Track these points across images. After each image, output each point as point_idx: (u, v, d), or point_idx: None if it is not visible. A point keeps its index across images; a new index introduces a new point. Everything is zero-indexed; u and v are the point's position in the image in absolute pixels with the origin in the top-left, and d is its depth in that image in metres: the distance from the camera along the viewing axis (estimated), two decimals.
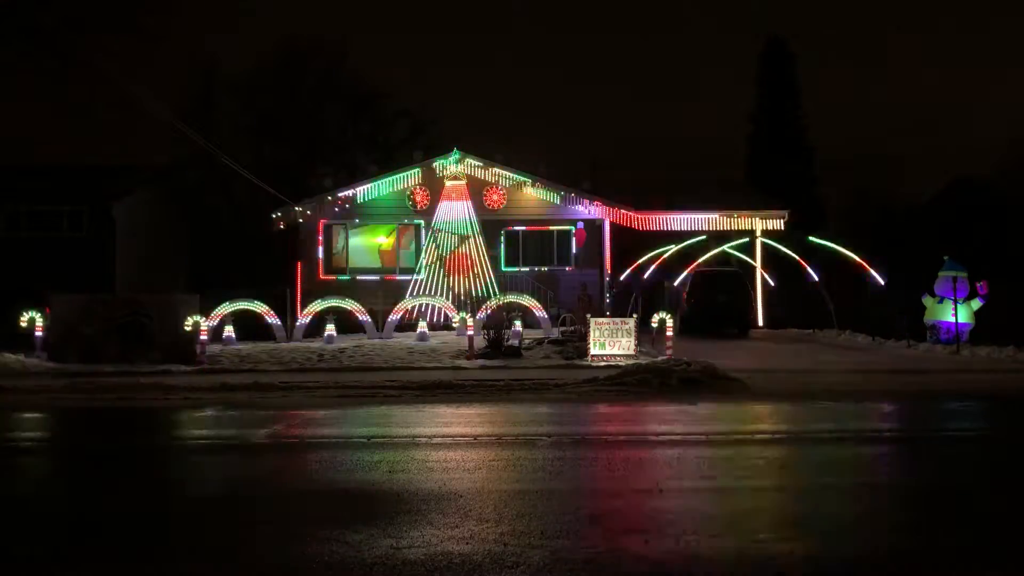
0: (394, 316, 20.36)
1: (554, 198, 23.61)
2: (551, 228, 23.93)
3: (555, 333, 19.04)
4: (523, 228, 23.93)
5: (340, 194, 23.56)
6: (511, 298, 20.24)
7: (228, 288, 21.44)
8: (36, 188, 25.43)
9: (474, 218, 23.10)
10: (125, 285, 24.65)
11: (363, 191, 23.59)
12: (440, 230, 23.07)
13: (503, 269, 23.46)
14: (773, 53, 38.22)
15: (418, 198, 23.64)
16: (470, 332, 16.93)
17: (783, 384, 12.39)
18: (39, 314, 15.92)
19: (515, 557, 4.42)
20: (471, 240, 22.93)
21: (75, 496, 6.18)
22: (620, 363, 14.36)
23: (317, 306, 19.83)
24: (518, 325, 18.10)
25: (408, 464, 6.93)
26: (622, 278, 24.88)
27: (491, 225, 23.53)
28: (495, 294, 21.66)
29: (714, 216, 24.31)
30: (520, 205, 23.78)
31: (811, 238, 20.40)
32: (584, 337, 15.93)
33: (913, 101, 71.65)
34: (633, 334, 15.54)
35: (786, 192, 28.87)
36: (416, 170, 23.76)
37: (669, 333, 15.66)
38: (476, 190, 23.46)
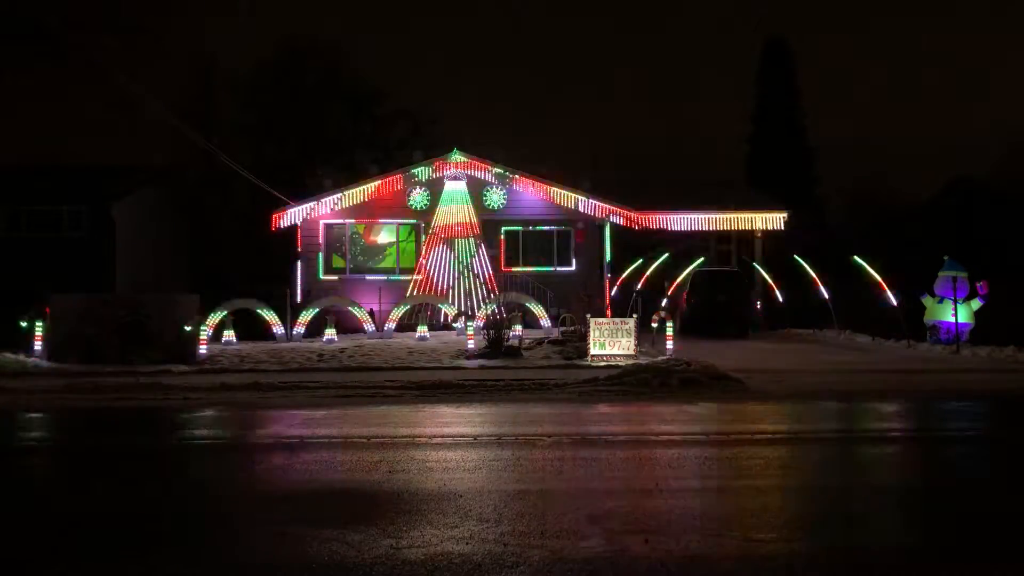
0: (394, 316, 20.36)
1: (554, 198, 23.61)
2: (551, 228, 23.93)
3: (555, 333, 19.04)
4: (523, 228, 23.93)
5: (340, 194, 23.56)
6: (511, 298, 20.24)
7: (228, 288, 21.43)
8: (36, 188, 25.43)
9: (474, 218, 23.11)
10: (125, 285, 24.66)
11: (363, 191, 23.59)
12: (440, 230, 23.07)
13: (503, 269, 23.46)
14: (773, 53, 38.22)
15: (418, 198, 23.64)
16: (470, 332, 16.92)
17: (783, 384, 12.38)
18: (39, 314, 15.91)
19: (515, 557, 4.42)
20: (471, 240, 22.93)
21: (75, 496, 6.18)
22: (620, 363, 14.35)
23: (317, 306, 19.83)
24: (518, 325, 18.10)
25: (408, 464, 6.93)
26: (622, 278, 24.86)
27: (491, 225, 23.53)
28: (495, 294, 21.67)
29: (714, 216, 24.31)
30: (520, 205, 23.79)
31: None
32: (584, 337, 15.93)
33: (913, 101, 71.64)
34: (633, 334, 15.54)
35: (786, 192, 28.87)
36: (416, 170, 23.75)
37: (669, 333, 15.66)
38: (476, 190, 23.46)
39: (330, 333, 18.66)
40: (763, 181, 31.61)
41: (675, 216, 24.15)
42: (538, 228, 23.93)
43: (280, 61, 36.30)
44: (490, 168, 23.68)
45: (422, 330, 19.40)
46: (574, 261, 23.88)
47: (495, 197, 23.65)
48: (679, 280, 23.32)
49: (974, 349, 17.01)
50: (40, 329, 15.66)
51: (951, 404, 10.78)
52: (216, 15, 67.35)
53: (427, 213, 23.52)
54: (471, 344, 16.05)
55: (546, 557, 4.43)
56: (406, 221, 23.92)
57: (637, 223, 23.83)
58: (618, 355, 15.25)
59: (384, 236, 24.20)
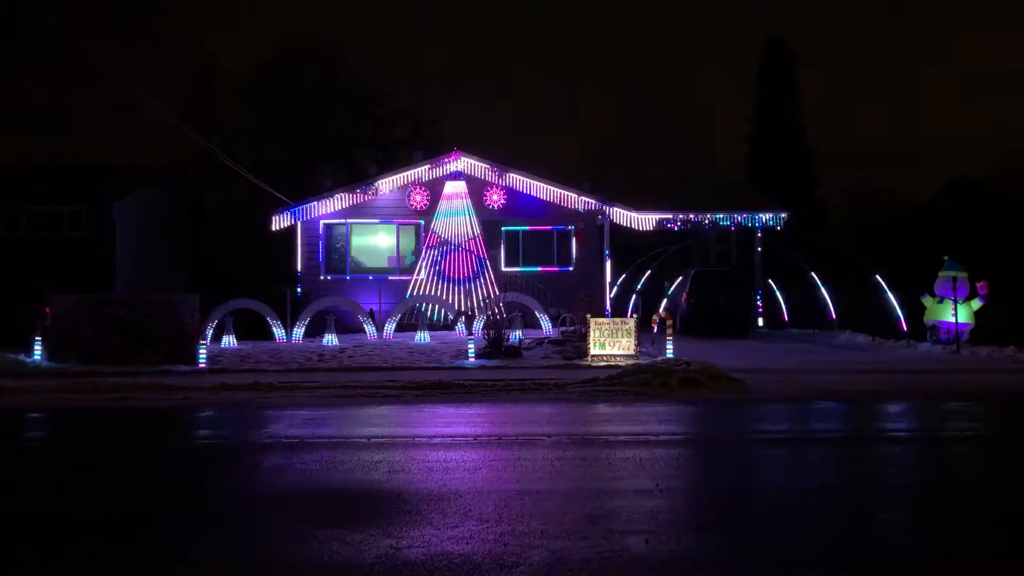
0: (394, 316, 20.36)
1: (554, 198, 23.61)
2: (551, 228, 23.93)
3: (555, 333, 19.04)
4: (523, 228, 23.93)
5: (340, 194, 23.56)
6: (511, 298, 20.24)
7: (228, 288, 21.42)
8: (36, 188, 25.41)
9: (474, 218, 23.11)
10: (125, 285, 24.64)
11: (363, 191, 23.59)
12: (440, 230, 23.08)
13: (503, 269, 23.46)
14: (773, 53, 38.21)
15: (418, 198, 23.64)
16: (470, 332, 16.92)
17: (783, 384, 12.39)
18: (39, 314, 15.91)
19: (515, 557, 4.42)
20: (471, 240, 22.94)
21: (74, 496, 6.18)
22: (620, 363, 14.35)
23: (317, 306, 19.83)
24: (518, 325, 18.10)
25: (408, 464, 6.93)
26: (622, 278, 24.87)
27: (491, 225, 23.53)
28: (495, 294, 21.67)
29: (714, 216, 24.31)
30: (520, 205, 23.79)
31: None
32: (584, 337, 15.94)
33: (913, 101, 71.66)
34: (633, 334, 15.55)
35: (786, 192, 28.87)
36: (416, 170, 23.76)
37: (669, 333, 15.67)
38: (476, 190, 23.47)
39: (330, 334, 18.66)
40: (763, 181, 31.61)
41: (675, 216, 24.14)
42: (538, 228, 23.93)
43: (280, 61, 36.38)
44: (490, 168, 23.68)
45: (422, 329, 19.40)
46: (574, 261, 23.88)
47: (495, 197, 23.65)
48: (679, 280, 23.34)
49: (974, 349, 17.01)
50: (40, 329, 15.67)
51: (951, 404, 10.78)
52: (216, 15, 67.34)
53: (427, 213, 23.52)
54: (471, 344, 16.05)
55: (546, 557, 4.43)
56: (406, 221, 23.92)
57: (637, 223, 23.83)
58: (618, 355, 15.25)
59: (384, 236, 24.20)
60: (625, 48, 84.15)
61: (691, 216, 24.25)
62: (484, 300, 21.75)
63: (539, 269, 23.63)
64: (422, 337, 19.04)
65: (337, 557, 4.47)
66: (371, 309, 21.19)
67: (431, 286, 22.57)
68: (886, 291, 19.22)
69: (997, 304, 18.02)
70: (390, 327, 20.11)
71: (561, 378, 12.68)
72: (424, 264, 23.03)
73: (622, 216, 23.65)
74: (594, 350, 15.45)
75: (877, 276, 19.61)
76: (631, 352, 15.37)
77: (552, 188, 23.60)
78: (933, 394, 11.45)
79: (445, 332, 20.47)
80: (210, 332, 17.41)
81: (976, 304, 18.14)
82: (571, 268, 23.80)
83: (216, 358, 15.76)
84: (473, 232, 22.99)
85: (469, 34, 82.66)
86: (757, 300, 24.66)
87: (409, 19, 77.36)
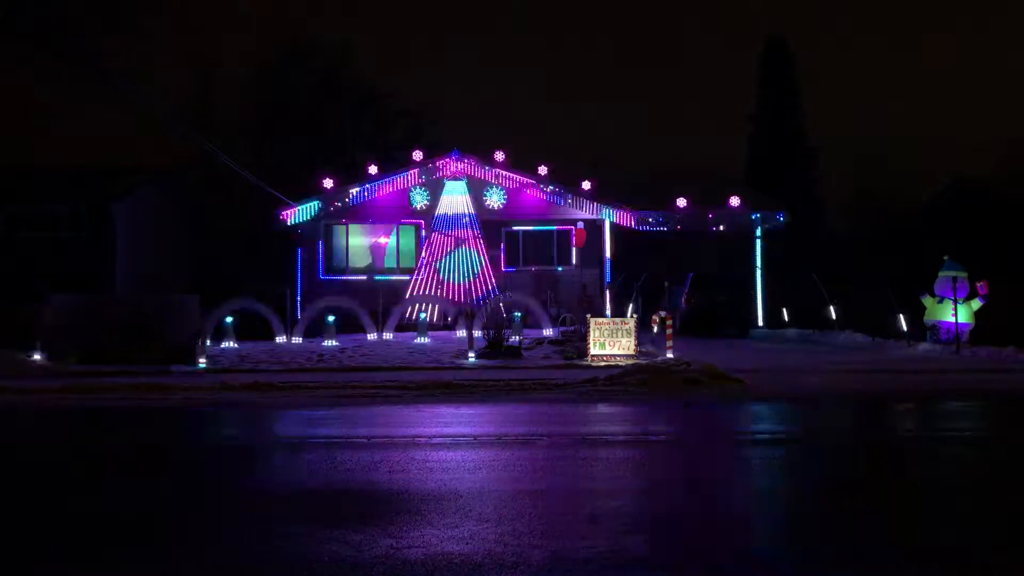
0: (394, 316, 20.35)
1: (554, 198, 23.61)
2: (551, 228, 23.91)
3: (555, 333, 19.04)
4: (523, 228, 23.91)
5: (340, 194, 23.55)
6: (511, 298, 20.24)
7: (228, 288, 21.43)
8: (36, 188, 25.44)
9: (474, 218, 23.10)
10: (125, 285, 24.66)
11: (363, 191, 23.59)
12: (440, 230, 23.08)
13: (503, 269, 23.45)
14: (773, 53, 38.19)
15: (418, 198, 23.63)
16: (470, 332, 16.92)
17: (783, 384, 12.39)
18: (39, 314, 15.90)
19: (515, 557, 4.42)
20: (471, 240, 22.94)
21: (73, 496, 6.18)
22: (620, 363, 14.35)
23: (317, 306, 19.82)
24: (518, 325, 18.09)
25: (408, 464, 6.93)
26: (622, 278, 24.86)
27: (491, 225, 23.51)
28: (495, 294, 21.66)
29: (714, 216, 24.29)
30: (520, 205, 23.76)
31: None
32: (584, 337, 15.93)
33: (913, 101, 71.67)
34: (633, 334, 15.54)
35: (786, 192, 28.85)
36: (416, 170, 23.74)
37: (669, 333, 15.66)
38: (476, 190, 23.46)
39: (330, 332, 18.64)
40: (763, 181, 31.59)
41: (675, 216, 24.12)
42: (538, 228, 23.92)
43: (281, 61, 36.34)
44: (490, 168, 23.67)
45: (422, 329, 19.38)
46: (574, 261, 23.86)
47: (495, 197, 23.64)
48: (679, 280, 23.33)
49: (974, 349, 17.00)
50: (40, 329, 15.66)
51: (951, 404, 10.78)
52: (217, 16, 67.36)
53: (427, 213, 23.51)
54: (471, 344, 16.05)
55: (546, 557, 4.43)
56: (406, 221, 23.90)
57: (637, 223, 23.82)
58: (618, 355, 15.25)
59: (384, 236, 24.19)
60: (625, 48, 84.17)
61: (691, 216, 24.23)
62: (484, 300, 21.74)
63: (539, 269, 23.62)
64: (422, 337, 19.03)
65: (337, 557, 4.47)
66: (371, 309, 21.19)
67: (431, 286, 22.56)
68: (887, 292, 19.21)
69: (997, 304, 18.00)
70: (390, 327, 20.10)
71: (561, 378, 12.68)
72: (424, 264, 23.02)
73: (622, 216, 23.63)
74: (594, 350, 15.45)
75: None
76: (631, 352, 15.37)
77: (552, 188, 23.59)
78: (933, 394, 11.45)
79: (445, 332, 20.46)
80: (210, 332, 17.40)
81: (976, 304, 18.13)
82: (571, 268, 23.78)
83: (216, 358, 15.75)
84: (473, 232, 22.97)
85: (469, 34, 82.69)
86: (757, 300, 24.65)
87: (409, 19, 77.38)
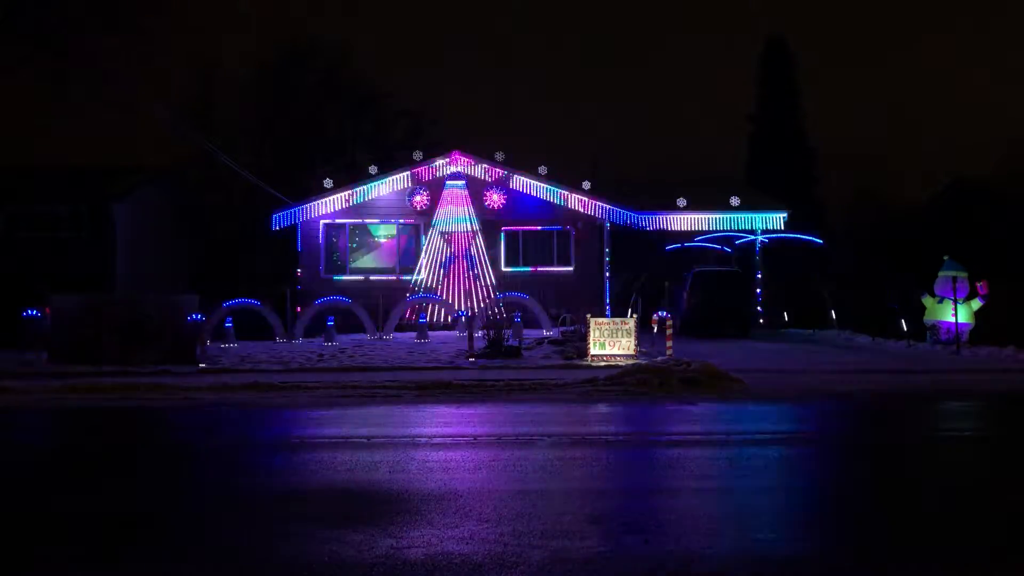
0: (394, 316, 20.36)
1: (554, 198, 23.61)
2: (551, 228, 23.92)
3: (555, 333, 19.04)
4: (523, 228, 23.92)
5: (340, 194, 23.57)
6: (511, 298, 20.23)
7: (228, 288, 21.45)
8: (36, 188, 25.43)
9: (474, 218, 23.11)
10: (125, 285, 24.65)
11: (363, 191, 23.60)
12: (440, 230, 23.08)
13: (503, 269, 23.46)
14: (773, 53, 38.18)
15: (418, 198, 23.64)
16: (470, 332, 16.92)
17: (783, 384, 12.39)
18: (39, 314, 15.91)
19: (515, 557, 4.42)
20: (471, 240, 22.94)
21: (73, 497, 6.18)
22: (620, 363, 14.35)
23: (317, 306, 19.83)
24: (518, 324, 18.10)
25: (408, 464, 6.93)
26: (622, 278, 24.86)
27: (491, 225, 23.52)
28: (495, 294, 21.67)
29: (714, 216, 24.31)
30: (520, 205, 23.78)
31: None
32: (584, 337, 15.93)
33: (913, 101, 71.66)
34: (633, 334, 15.54)
35: (786, 192, 28.83)
36: (416, 170, 23.76)
37: (669, 333, 15.66)
38: (476, 190, 23.47)
39: (330, 332, 18.65)
40: (763, 181, 31.57)
41: (675, 216, 24.14)
42: (538, 228, 23.92)
43: (280, 61, 36.32)
44: (490, 168, 23.68)
45: (422, 329, 19.39)
46: (574, 261, 23.87)
47: (495, 197, 23.65)
48: (679, 280, 23.32)
49: (974, 349, 17.00)
50: (40, 329, 15.66)
51: (952, 404, 10.78)
52: (217, 16, 67.35)
53: (427, 213, 23.52)
54: (471, 344, 16.05)
55: (546, 557, 4.43)
56: (406, 221, 23.92)
57: (637, 223, 23.83)
58: (618, 355, 15.26)
59: (384, 236, 24.20)
60: (626, 47, 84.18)
61: (691, 216, 24.24)
62: (484, 300, 21.75)
63: (539, 269, 23.63)
64: (422, 337, 19.04)
65: (337, 557, 4.47)
66: (371, 309, 21.19)
67: (431, 286, 22.57)
68: (887, 291, 19.22)
69: (997, 304, 18.00)
70: (390, 327, 20.11)
71: (561, 378, 12.68)
72: (424, 264, 23.02)
73: (622, 216, 23.64)
74: (594, 350, 15.45)
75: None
76: (631, 352, 15.37)
77: (552, 188, 23.60)
78: (933, 394, 11.45)
79: (445, 332, 20.46)
80: (210, 332, 17.41)
81: (976, 304, 18.13)
82: (571, 268, 23.79)
83: (216, 358, 15.76)
84: (473, 232, 22.98)
85: (469, 34, 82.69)
86: (757, 300, 24.66)
87: (409, 19, 77.38)
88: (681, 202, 23.79)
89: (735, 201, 23.87)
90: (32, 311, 16.03)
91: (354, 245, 24.14)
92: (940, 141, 64.57)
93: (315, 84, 36.96)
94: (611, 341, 15.48)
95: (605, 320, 16.16)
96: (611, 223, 23.86)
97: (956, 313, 17.76)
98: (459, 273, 22.73)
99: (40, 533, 5.18)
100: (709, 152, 59.57)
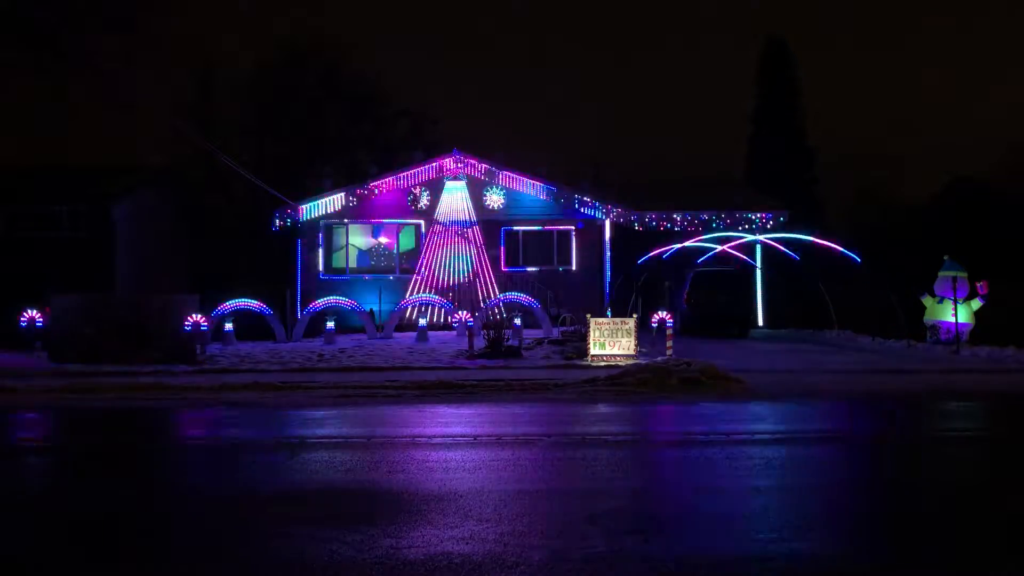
0: (394, 316, 20.36)
1: (554, 198, 23.63)
2: (551, 228, 23.94)
3: (555, 333, 19.04)
4: (523, 228, 23.94)
5: (340, 194, 23.58)
6: (511, 298, 20.24)
7: (228, 288, 21.44)
8: (36, 188, 25.41)
9: (474, 218, 23.11)
10: (125, 285, 24.64)
11: (363, 191, 23.60)
12: (440, 230, 23.08)
13: (503, 269, 23.47)
14: (773, 53, 38.17)
15: (418, 198, 23.65)
16: (470, 332, 16.92)
17: (783, 384, 12.38)
18: (39, 314, 15.91)
19: (515, 557, 4.42)
20: (471, 240, 22.94)
21: (73, 497, 6.18)
22: (620, 363, 14.35)
23: (317, 306, 19.83)
24: (518, 325, 18.10)
25: (408, 464, 6.93)
26: (622, 278, 24.88)
27: (491, 225, 23.53)
28: (495, 294, 21.67)
29: (714, 216, 24.31)
30: (520, 205, 23.80)
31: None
32: (584, 337, 15.93)
33: (913, 101, 71.67)
34: (633, 334, 15.54)
35: (786, 192, 28.85)
36: (416, 170, 23.77)
37: (669, 333, 15.67)
38: (476, 190, 23.47)
39: (330, 332, 18.65)
40: (763, 181, 31.58)
41: (675, 216, 24.14)
42: (538, 228, 23.94)
43: (281, 61, 36.32)
44: (490, 168, 23.69)
45: (422, 329, 19.39)
46: (574, 261, 23.88)
47: (495, 197, 23.66)
48: (679, 280, 23.31)
49: (974, 349, 17.00)
50: (40, 329, 15.66)
51: (952, 404, 10.78)
52: (217, 15, 67.36)
53: (427, 213, 23.53)
54: (471, 344, 16.05)
55: (546, 557, 4.43)
56: (406, 221, 23.93)
57: (637, 223, 23.83)
58: (618, 355, 15.25)
59: (384, 236, 24.21)
60: (626, 47, 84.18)
61: (691, 215, 24.25)
62: (484, 300, 21.75)
63: (539, 269, 23.64)
64: (422, 337, 19.03)
65: (337, 557, 4.47)
66: (371, 309, 21.19)
67: (431, 286, 22.57)
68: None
69: (997, 304, 18.00)
70: (390, 327, 20.11)
71: (561, 378, 12.68)
72: (424, 264, 23.03)
73: (622, 216, 23.65)
74: (594, 350, 15.45)
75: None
76: (631, 352, 15.37)
77: (552, 188, 23.61)
78: (933, 395, 11.45)
79: (445, 332, 20.46)
80: (210, 332, 17.41)
81: (976, 304, 18.13)
82: (571, 268, 23.80)
83: (216, 358, 15.76)
84: (473, 232, 22.98)
85: (469, 34, 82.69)
86: (757, 300, 24.64)
87: (409, 19, 77.38)
88: (681, 202, 23.77)
89: (735, 201, 23.86)
90: (32, 311, 16.03)
91: (354, 245, 24.15)
92: (940, 141, 64.62)
93: (315, 84, 36.94)
94: (611, 341, 15.49)
95: (605, 320, 16.16)
96: (611, 223, 23.86)
97: (956, 313, 17.76)
98: (459, 273, 22.73)
99: (40, 533, 5.17)
100: (709, 152, 59.62)
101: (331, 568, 4.31)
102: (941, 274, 18.62)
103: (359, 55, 77.78)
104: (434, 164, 23.73)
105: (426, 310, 21.34)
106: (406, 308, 20.96)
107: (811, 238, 21.92)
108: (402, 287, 23.00)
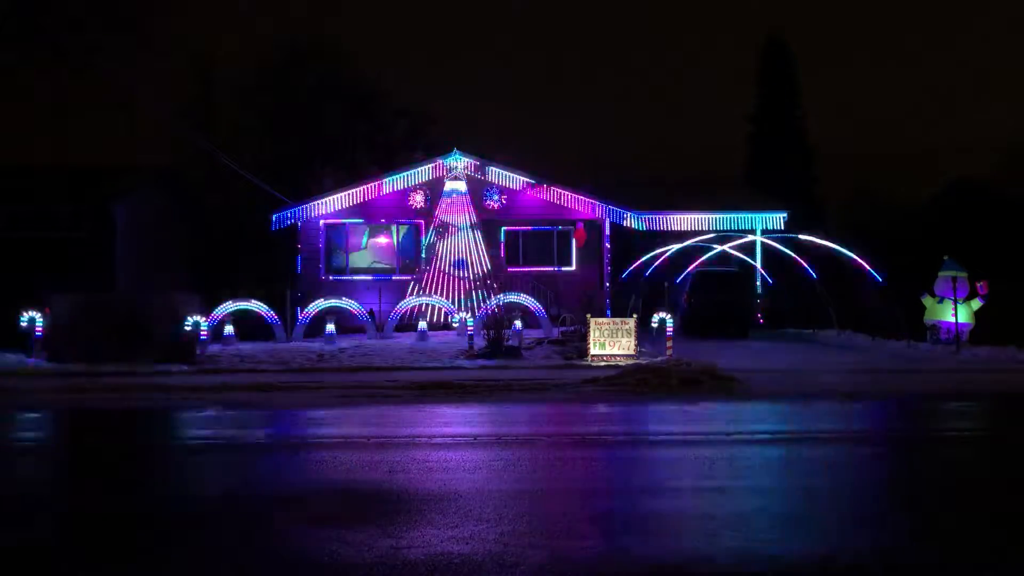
0: (394, 316, 20.35)
1: (554, 198, 23.62)
2: (551, 228, 23.93)
3: (555, 333, 19.03)
4: (523, 228, 23.93)
5: (340, 194, 23.58)
6: (511, 298, 20.24)
7: (228, 288, 21.46)
8: (37, 188, 25.41)
9: (474, 218, 23.11)
10: (125, 285, 24.64)
11: (363, 191, 23.60)
12: (440, 230, 23.08)
13: (503, 269, 23.45)
14: (773, 53, 38.18)
15: (418, 198, 23.64)
16: (470, 332, 16.91)
17: (783, 384, 12.38)
18: (39, 314, 15.90)
19: (515, 557, 4.42)
20: (471, 240, 22.93)
21: (73, 497, 6.18)
22: (620, 363, 14.35)
23: (317, 306, 19.83)
24: (518, 325, 18.09)
25: (408, 464, 6.93)
26: (622, 278, 24.87)
27: (491, 225, 23.52)
28: (495, 294, 21.66)
29: (714, 216, 24.32)
30: (520, 205, 23.79)
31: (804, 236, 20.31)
32: (584, 337, 15.93)
33: (913, 101, 71.68)
34: (633, 334, 15.54)
35: (786, 192, 28.85)
36: (416, 170, 23.77)
37: (669, 333, 15.66)
38: (476, 190, 23.47)
39: (330, 332, 18.64)
40: (763, 181, 31.58)
41: (675, 216, 24.14)
42: (538, 228, 23.93)
43: (280, 61, 36.31)
44: (490, 168, 23.69)
45: (422, 329, 19.39)
46: (574, 261, 23.88)
47: (495, 197, 23.65)
48: (679, 280, 23.34)
49: (974, 349, 16.99)
50: (40, 329, 15.66)
51: (951, 404, 10.78)
52: (217, 15, 67.33)
53: (427, 213, 23.52)
54: (471, 344, 16.05)
55: (546, 557, 4.43)
56: (406, 221, 23.92)
57: (637, 223, 23.83)
58: (618, 355, 15.25)
59: (384, 236, 24.21)
60: (626, 47, 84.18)
61: (691, 216, 24.25)
62: (484, 300, 21.74)
63: (539, 269, 23.63)
64: (422, 337, 19.03)
65: (337, 557, 4.47)
66: (371, 309, 21.19)
67: (431, 286, 22.56)
68: (884, 285, 19.19)
69: (997, 304, 17.99)
70: (390, 327, 20.10)
71: (561, 378, 12.68)
72: (424, 264, 23.02)
73: (622, 216, 23.65)
74: (594, 350, 15.45)
75: (874, 272, 19.56)
76: (631, 352, 15.36)
77: (552, 188, 23.60)
78: (933, 395, 11.45)
79: (445, 332, 20.45)
80: (210, 332, 17.41)
81: (976, 304, 18.12)
82: (571, 268, 23.80)
83: (216, 358, 15.75)
84: (473, 232, 22.97)
85: (469, 34, 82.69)
86: (757, 300, 24.63)
87: (409, 19, 77.39)
88: (681, 202, 23.76)
89: (735, 201, 23.85)
90: (32, 311, 16.02)
91: (354, 245, 24.14)
92: (940, 141, 64.63)
93: (315, 84, 36.92)
94: (611, 341, 15.48)
95: (605, 320, 16.16)
96: (611, 223, 23.86)
97: (956, 313, 17.75)
98: (459, 273, 22.72)
99: (40, 533, 5.17)
100: (709, 152, 59.57)
101: (331, 568, 4.31)
102: (941, 274, 18.61)
103: (359, 55, 77.75)
104: (434, 164, 23.73)
105: (426, 310, 21.33)
106: (406, 308, 20.95)
107: (811, 238, 21.92)
108: (402, 287, 22.99)
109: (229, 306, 18.98)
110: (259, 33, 68.22)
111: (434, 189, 23.53)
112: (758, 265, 25.27)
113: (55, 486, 6.63)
